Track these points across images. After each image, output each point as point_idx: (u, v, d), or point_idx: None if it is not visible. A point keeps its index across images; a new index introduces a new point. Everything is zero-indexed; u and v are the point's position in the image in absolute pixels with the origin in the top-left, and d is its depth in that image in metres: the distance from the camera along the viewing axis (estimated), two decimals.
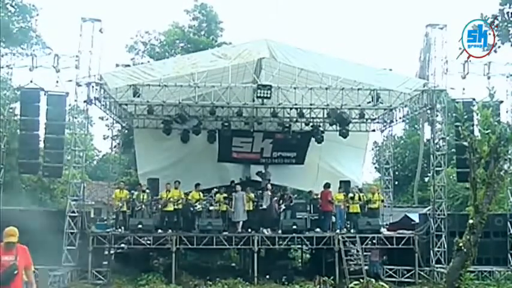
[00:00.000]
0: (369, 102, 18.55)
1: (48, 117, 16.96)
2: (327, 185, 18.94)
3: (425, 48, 18.45)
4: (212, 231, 17.21)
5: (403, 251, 17.45)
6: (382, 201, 19.38)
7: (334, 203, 18.44)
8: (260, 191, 19.66)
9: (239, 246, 17.89)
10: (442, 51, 17.55)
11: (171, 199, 17.69)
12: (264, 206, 18.40)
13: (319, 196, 19.11)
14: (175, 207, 17.79)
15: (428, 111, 18.53)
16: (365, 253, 18.37)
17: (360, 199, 18.56)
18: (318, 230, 18.32)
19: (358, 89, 18.10)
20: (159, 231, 17.41)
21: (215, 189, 19.53)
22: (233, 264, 20.97)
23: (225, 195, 18.41)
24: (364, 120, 21.70)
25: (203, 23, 31.57)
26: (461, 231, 14.02)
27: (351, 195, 18.57)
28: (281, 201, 18.67)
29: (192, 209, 18.05)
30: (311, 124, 21.21)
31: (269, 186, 19.10)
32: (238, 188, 18.49)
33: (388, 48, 66.70)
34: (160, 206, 18.04)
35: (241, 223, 17.87)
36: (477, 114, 15.02)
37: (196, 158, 21.24)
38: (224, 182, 21.36)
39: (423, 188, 31.64)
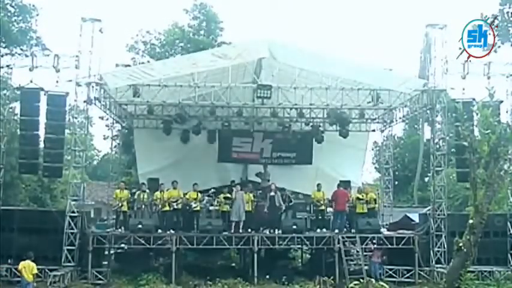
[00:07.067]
0: (369, 102, 18.53)
1: (48, 117, 16.97)
2: (342, 184, 18.76)
3: (425, 48, 18.46)
4: (212, 231, 17.19)
5: (403, 251, 17.43)
6: (375, 200, 18.94)
7: (351, 202, 18.24)
8: (260, 191, 19.62)
9: (239, 246, 17.88)
10: (442, 51, 17.53)
11: (170, 199, 17.64)
12: (277, 205, 18.02)
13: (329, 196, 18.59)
14: (175, 207, 17.78)
15: (428, 111, 18.51)
16: (365, 253, 18.36)
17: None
18: (318, 230, 18.27)
19: (358, 89, 18.09)
20: (159, 231, 17.39)
21: (214, 189, 19.49)
22: (233, 264, 20.93)
23: (228, 195, 18.32)
24: (364, 120, 21.70)
25: (203, 23, 31.52)
26: (461, 231, 14.07)
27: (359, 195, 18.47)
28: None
29: (188, 208, 18.01)
30: (311, 124, 21.18)
31: (273, 186, 18.90)
32: (239, 187, 18.45)
33: (388, 48, 66.71)
34: (160, 207, 17.99)
35: (241, 223, 17.85)
36: (477, 114, 15.05)
37: (196, 158, 21.21)
38: (224, 182, 21.33)
39: (423, 188, 31.71)
